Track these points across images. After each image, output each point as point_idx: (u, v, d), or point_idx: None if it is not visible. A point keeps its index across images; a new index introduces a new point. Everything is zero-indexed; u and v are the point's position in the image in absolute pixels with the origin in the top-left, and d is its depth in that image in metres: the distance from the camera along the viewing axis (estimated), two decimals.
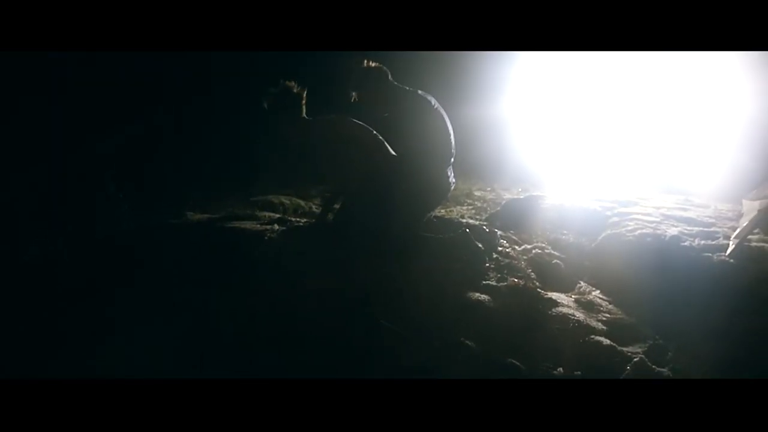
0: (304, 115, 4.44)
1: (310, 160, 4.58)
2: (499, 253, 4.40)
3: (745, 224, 4.35)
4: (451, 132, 4.52)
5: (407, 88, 4.48)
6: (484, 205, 6.61)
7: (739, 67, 7.56)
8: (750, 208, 4.51)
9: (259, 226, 4.55)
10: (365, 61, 4.43)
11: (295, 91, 4.39)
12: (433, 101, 4.48)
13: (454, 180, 4.63)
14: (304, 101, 4.43)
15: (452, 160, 4.57)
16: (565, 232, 5.09)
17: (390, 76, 4.46)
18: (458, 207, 6.46)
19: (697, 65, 7.90)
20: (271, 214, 5.22)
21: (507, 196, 7.02)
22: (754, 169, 5.98)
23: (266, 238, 4.25)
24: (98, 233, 4.63)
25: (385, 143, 4.53)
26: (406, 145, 4.44)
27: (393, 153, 4.51)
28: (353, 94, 4.44)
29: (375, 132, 4.53)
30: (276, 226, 4.55)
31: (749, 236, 4.37)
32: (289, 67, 4.78)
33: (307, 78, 4.49)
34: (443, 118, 4.49)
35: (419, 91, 4.48)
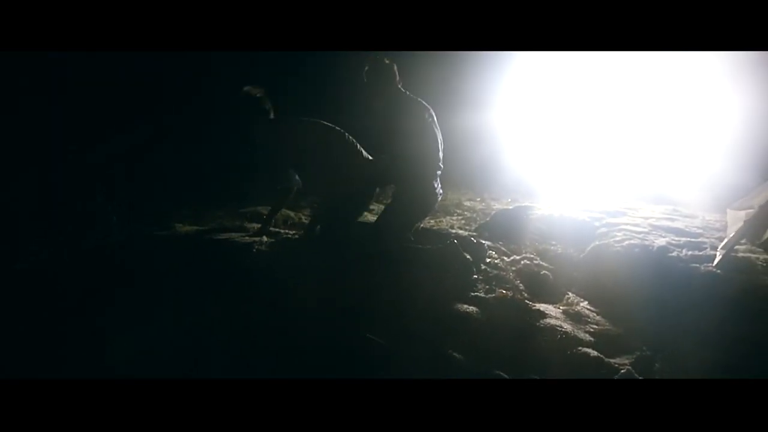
0: (272, 116, 4.56)
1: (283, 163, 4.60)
2: (488, 264, 4.41)
3: (731, 235, 4.37)
4: (441, 145, 4.56)
5: (408, 93, 4.52)
6: (474, 215, 6.62)
7: (726, 76, 7.64)
8: (735, 218, 4.53)
9: (248, 238, 4.54)
10: (380, 58, 4.48)
11: (258, 95, 4.52)
12: (430, 112, 4.53)
13: (441, 192, 4.66)
14: (268, 104, 4.56)
15: (439, 172, 4.59)
16: (554, 242, 5.12)
17: (397, 78, 4.50)
18: (448, 217, 6.47)
19: (684, 75, 7.97)
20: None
21: (496, 206, 7.04)
22: (740, 179, 6.03)
23: (254, 250, 4.25)
24: (87, 244, 4.61)
25: (359, 147, 4.62)
26: (396, 150, 4.48)
27: (367, 156, 4.57)
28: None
29: (348, 135, 4.59)
30: (264, 238, 4.55)
31: (736, 246, 4.40)
32: (280, 69, 4.78)
33: (307, 78, 4.51)
34: (435, 131, 4.52)
35: (420, 100, 4.53)
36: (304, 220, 5.94)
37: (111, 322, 3.35)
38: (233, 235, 4.63)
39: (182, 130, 6.90)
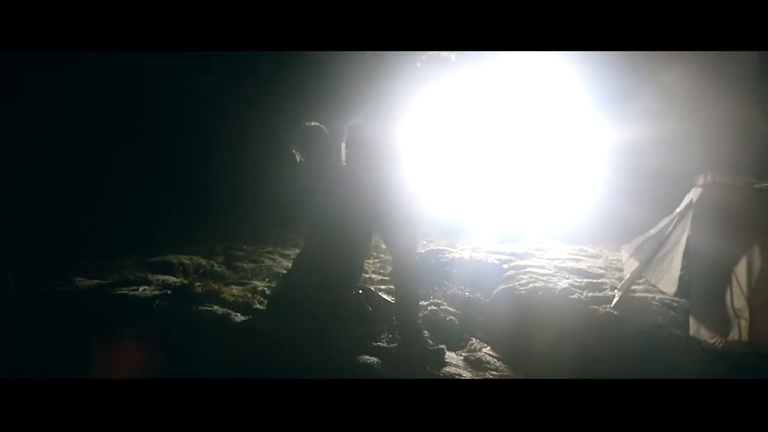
0: None
1: None
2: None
3: (627, 276, 4.53)
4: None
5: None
6: (390, 257, 6.63)
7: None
8: (630, 261, 4.70)
9: (149, 291, 4.42)
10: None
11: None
12: None
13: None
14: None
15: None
16: (462, 287, 5.16)
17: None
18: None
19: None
20: (167, 278, 5.05)
21: None
22: (642, 217, 6.25)
23: (154, 305, 4.13)
24: None
25: None
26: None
27: None
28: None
29: None
30: (168, 292, 4.44)
31: (633, 287, 4.55)
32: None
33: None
34: None
35: None
36: (216, 269, 5.85)
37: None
38: (136, 289, 4.51)
39: (84, 178, 6.70)
